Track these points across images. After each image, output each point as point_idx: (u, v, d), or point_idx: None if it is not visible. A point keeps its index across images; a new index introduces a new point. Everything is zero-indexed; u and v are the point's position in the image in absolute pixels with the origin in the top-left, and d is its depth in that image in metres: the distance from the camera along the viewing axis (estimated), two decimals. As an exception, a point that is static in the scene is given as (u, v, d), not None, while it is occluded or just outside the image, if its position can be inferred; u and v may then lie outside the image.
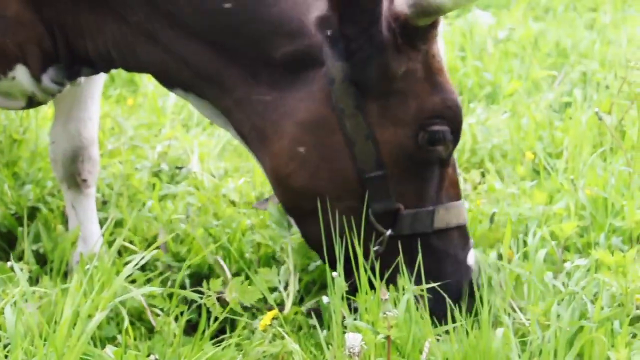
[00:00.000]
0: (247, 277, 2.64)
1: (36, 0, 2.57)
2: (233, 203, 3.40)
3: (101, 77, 3.01)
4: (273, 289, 2.62)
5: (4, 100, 2.73)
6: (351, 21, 2.33)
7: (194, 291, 2.54)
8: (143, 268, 2.94)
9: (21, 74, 2.64)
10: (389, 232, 2.45)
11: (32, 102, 2.74)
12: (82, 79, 2.78)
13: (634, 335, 2.43)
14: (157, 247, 2.88)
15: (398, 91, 2.41)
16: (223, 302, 2.48)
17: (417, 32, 2.38)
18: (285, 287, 2.55)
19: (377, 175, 2.42)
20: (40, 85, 2.66)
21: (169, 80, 2.60)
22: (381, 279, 2.40)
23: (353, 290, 2.40)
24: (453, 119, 2.46)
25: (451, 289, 2.49)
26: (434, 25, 2.39)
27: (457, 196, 2.57)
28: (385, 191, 2.43)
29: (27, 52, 2.60)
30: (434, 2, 2.28)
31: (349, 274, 2.41)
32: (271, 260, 2.91)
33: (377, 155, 2.41)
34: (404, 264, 2.41)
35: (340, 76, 2.38)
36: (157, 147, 3.90)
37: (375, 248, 2.45)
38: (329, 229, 2.42)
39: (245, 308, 2.58)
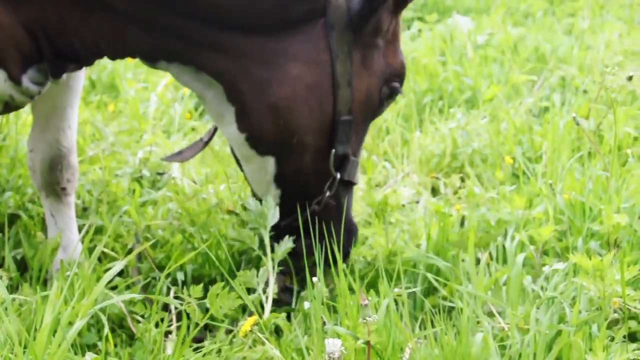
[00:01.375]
0: (227, 282, 2.65)
1: (13, 3, 2.55)
2: (215, 208, 3.40)
3: (80, 85, 3.00)
4: (252, 290, 2.63)
5: None
6: None
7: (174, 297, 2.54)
8: (122, 274, 2.94)
9: None
10: (338, 175, 2.69)
11: (8, 107, 2.72)
12: (64, 76, 2.77)
13: (612, 339, 2.45)
14: (137, 254, 2.88)
15: (376, 46, 2.67)
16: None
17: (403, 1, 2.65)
18: (265, 290, 2.56)
19: (346, 120, 2.66)
20: (20, 87, 2.65)
21: (154, 57, 2.65)
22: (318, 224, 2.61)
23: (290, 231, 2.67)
24: (403, 78, 2.76)
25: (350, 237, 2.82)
26: None
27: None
28: (348, 136, 2.67)
29: (4, 55, 2.59)
30: None
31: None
32: (250, 260, 2.92)
33: (351, 102, 2.65)
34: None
35: (341, 24, 2.60)
36: (138, 153, 3.90)
37: (328, 193, 2.70)
38: (302, 173, 2.66)
39: (225, 314, 2.58)
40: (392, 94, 2.73)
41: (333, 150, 2.67)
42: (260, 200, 2.74)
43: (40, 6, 2.56)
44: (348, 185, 2.80)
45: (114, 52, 2.65)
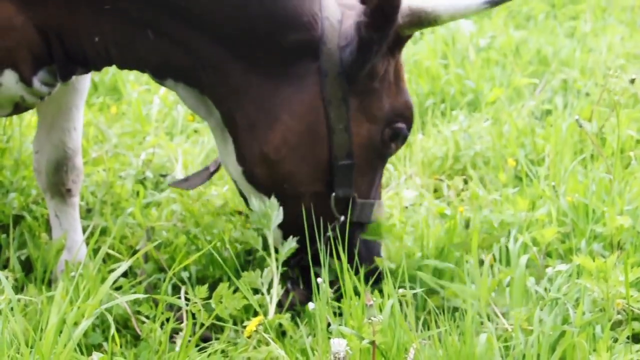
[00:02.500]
0: (232, 283, 2.65)
1: (28, 4, 2.56)
2: (217, 210, 3.40)
3: (85, 87, 3.01)
4: (257, 291, 2.64)
5: None
6: (374, 27, 2.58)
7: (179, 298, 2.55)
8: (127, 275, 2.95)
9: (9, 80, 2.64)
10: (342, 218, 2.69)
11: (18, 108, 2.73)
12: (73, 78, 2.78)
13: (615, 340, 2.46)
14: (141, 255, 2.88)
15: (375, 90, 2.68)
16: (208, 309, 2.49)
17: (401, 40, 2.65)
18: (269, 289, 2.57)
19: (346, 164, 2.67)
20: (31, 88, 2.66)
21: (163, 72, 2.68)
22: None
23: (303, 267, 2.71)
24: (410, 120, 2.77)
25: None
26: (411, 35, 2.68)
27: (380, 195, 2.86)
28: (349, 180, 2.69)
29: (17, 57, 2.59)
30: (431, 14, 2.56)
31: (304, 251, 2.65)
32: (254, 261, 2.93)
33: (350, 146, 2.66)
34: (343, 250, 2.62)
35: (334, 70, 2.62)
36: (141, 154, 3.91)
37: (329, 234, 2.68)
38: (300, 216, 2.64)
39: (230, 314, 2.59)
40: (397, 135, 2.73)
41: (333, 194, 2.68)
42: None
43: (53, 9, 2.57)
44: (361, 227, 2.77)
45: (124, 60, 2.66)
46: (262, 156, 2.64)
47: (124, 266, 2.43)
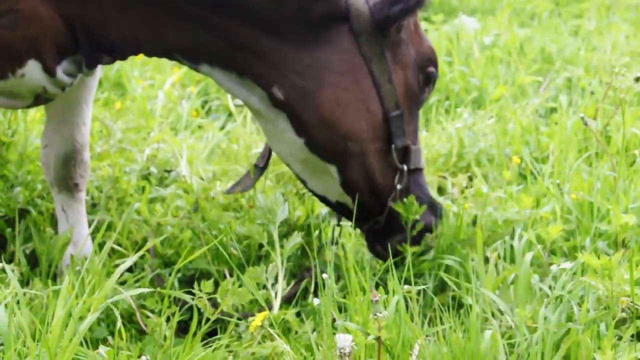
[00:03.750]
0: (237, 277, 2.66)
1: None
2: (222, 206, 3.41)
3: (95, 83, 3.00)
4: (262, 286, 2.64)
5: (7, 100, 2.70)
6: None
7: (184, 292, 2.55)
8: (132, 270, 2.95)
9: (32, 70, 2.63)
10: (404, 167, 2.79)
11: (39, 100, 2.73)
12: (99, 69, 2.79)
13: (620, 338, 2.47)
14: (147, 250, 2.89)
15: (402, 41, 2.78)
16: (214, 303, 2.50)
17: None
18: (274, 284, 2.57)
19: (397, 114, 2.77)
20: (54, 79, 2.65)
21: (197, 57, 2.70)
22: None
23: (376, 231, 2.84)
24: (436, 61, 2.88)
25: (436, 214, 2.91)
26: None
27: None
28: (403, 129, 2.79)
29: (41, 46, 2.58)
30: None
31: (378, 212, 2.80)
32: (259, 256, 2.93)
33: (396, 96, 2.76)
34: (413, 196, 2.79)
35: (367, 29, 2.70)
36: (145, 150, 3.91)
37: (398, 186, 2.79)
38: (369, 176, 2.77)
39: (235, 309, 2.59)
40: (429, 79, 2.85)
41: (393, 146, 2.77)
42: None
43: None
44: (416, 172, 2.87)
45: (154, 47, 2.67)
46: (320, 120, 2.71)
47: (130, 260, 2.43)
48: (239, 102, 4.67)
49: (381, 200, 2.81)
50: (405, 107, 2.80)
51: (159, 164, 3.83)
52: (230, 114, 4.61)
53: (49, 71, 2.63)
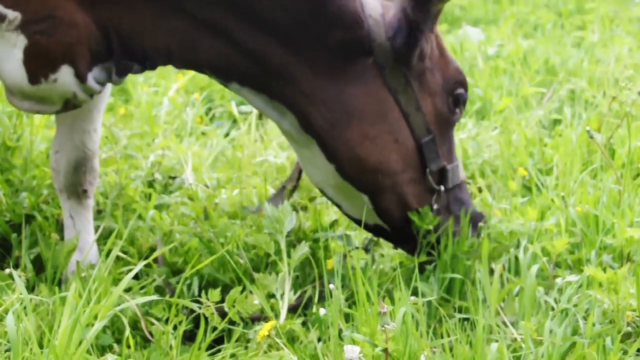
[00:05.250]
0: (243, 288, 2.66)
1: (89, 2, 2.56)
2: (227, 214, 3.41)
3: (107, 91, 3.00)
4: (270, 296, 2.64)
5: (36, 105, 2.72)
6: (418, 7, 2.71)
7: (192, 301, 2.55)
8: (138, 277, 2.95)
9: (65, 75, 2.64)
10: (441, 187, 2.85)
11: (67, 106, 2.74)
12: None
13: (625, 352, 2.47)
14: (155, 259, 2.89)
15: (428, 68, 2.83)
16: (221, 312, 2.50)
17: (436, 15, 2.79)
18: (282, 294, 2.57)
19: (428, 140, 2.83)
20: (85, 85, 2.66)
21: (228, 75, 2.73)
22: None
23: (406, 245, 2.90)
24: (465, 82, 2.93)
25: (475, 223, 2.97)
26: (441, 8, 2.80)
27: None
28: (436, 152, 2.85)
29: (76, 52, 2.59)
30: None
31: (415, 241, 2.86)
32: (267, 266, 2.93)
33: (426, 123, 2.81)
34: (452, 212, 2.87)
35: (390, 61, 2.75)
36: (150, 156, 3.91)
37: (435, 206, 2.84)
38: (404, 203, 2.82)
39: (241, 317, 2.59)
40: (459, 101, 2.89)
41: (428, 170, 2.83)
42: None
43: (115, 6, 2.58)
44: (456, 188, 2.93)
45: (184, 60, 2.69)
46: (349, 154, 2.75)
47: (137, 268, 2.43)
48: (244, 109, 4.70)
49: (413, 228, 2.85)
50: (437, 132, 2.85)
51: (164, 171, 3.84)
52: (234, 121, 4.62)
53: (81, 77, 2.64)
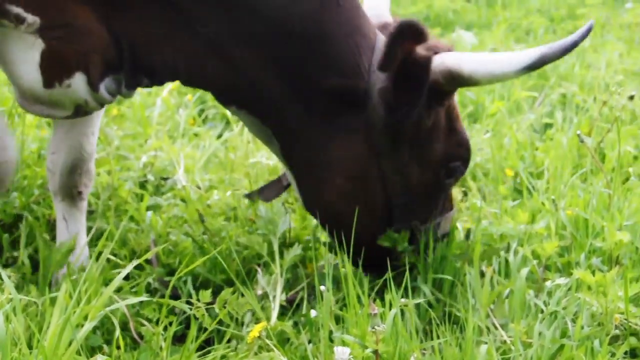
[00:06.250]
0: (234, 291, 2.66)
1: (106, 10, 2.59)
2: (219, 214, 3.41)
3: None
4: (261, 297, 2.65)
5: (48, 109, 2.73)
6: (404, 89, 2.65)
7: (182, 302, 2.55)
8: (129, 278, 2.95)
9: (78, 82, 2.65)
10: (409, 247, 2.80)
11: (78, 112, 2.75)
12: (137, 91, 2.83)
13: (613, 355, 2.48)
14: (148, 259, 2.89)
15: (425, 138, 2.77)
16: (211, 313, 2.50)
17: (446, 94, 2.77)
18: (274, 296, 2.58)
19: (402, 202, 2.78)
20: (96, 94, 2.68)
21: (228, 98, 2.77)
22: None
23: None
24: (466, 157, 2.88)
25: None
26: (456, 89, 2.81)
27: (451, 207, 2.98)
28: (407, 214, 2.80)
29: (90, 60, 2.62)
30: (468, 79, 2.65)
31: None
32: (258, 266, 2.94)
33: (405, 186, 2.77)
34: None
35: (381, 123, 2.70)
36: (142, 157, 3.91)
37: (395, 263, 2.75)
38: (366, 248, 2.74)
39: (231, 318, 2.60)
40: (453, 172, 2.85)
41: (392, 229, 2.80)
42: None
43: (129, 18, 2.60)
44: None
45: (190, 78, 2.73)
46: (319, 203, 2.77)
47: (127, 268, 2.43)
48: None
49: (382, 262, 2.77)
50: (416, 195, 2.79)
51: (156, 172, 3.84)
52: (227, 123, 4.62)
53: (93, 85, 2.66)
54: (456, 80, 2.66)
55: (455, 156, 2.83)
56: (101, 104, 2.74)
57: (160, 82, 2.77)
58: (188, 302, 2.48)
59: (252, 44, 2.63)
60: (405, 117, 2.67)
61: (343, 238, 2.76)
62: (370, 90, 2.68)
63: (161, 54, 2.64)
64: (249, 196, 3.07)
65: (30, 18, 2.55)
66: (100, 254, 2.74)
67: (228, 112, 4.56)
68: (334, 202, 2.75)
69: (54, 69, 2.63)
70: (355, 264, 2.78)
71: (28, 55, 2.62)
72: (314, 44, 2.63)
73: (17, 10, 2.53)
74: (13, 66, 2.65)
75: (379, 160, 2.73)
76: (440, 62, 2.65)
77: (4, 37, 2.60)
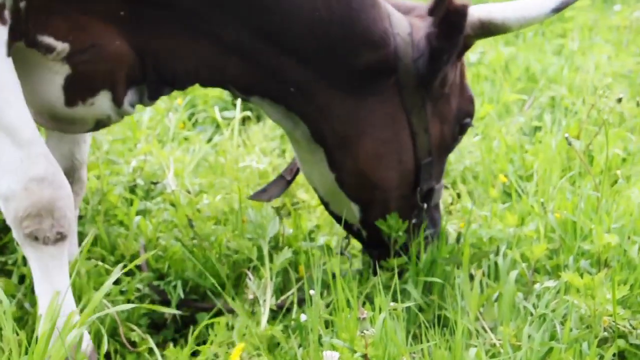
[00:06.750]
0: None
1: (129, 25, 2.57)
2: (209, 218, 3.41)
3: None
4: (251, 302, 2.65)
5: (66, 125, 2.71)
6: (444, 37, 2.72)
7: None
8: (117, 283, 2.95)
9: (102, 100, 2.63)
10: (425, 205, 2.92)
11: (98, 126, 2.75)
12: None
13: (601, 357, 2.50)
14: (138, 264, 2.89)
15: (444, 95, 2.86)
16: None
17: (467, 47, 2.84)
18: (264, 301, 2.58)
19: (428, 162, 2.88)
20: (119, 109, 2.68)
21: (250, 90, 2.77)
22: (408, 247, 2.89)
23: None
24: (474, 112, 2.99)
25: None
26: (472, 43, 2.85)
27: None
28: (430, 173, 2.90)
29: (115, 78, 2.61)
30: (501, 26, 2.73)
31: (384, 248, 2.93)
32: (248, 270, 2.94)
33: (430, 145, 2.86)
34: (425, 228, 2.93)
35: (411, 82, 2.77)
36: (132, 162, 3.90)
37: (414, 221, 2.91)
38: (389, 213, 2.86)
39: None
40: (464, 129, 2.96)
41: (418, 189, 2.89)
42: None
43: (151, 31, 2.59)
44: (434, 207, 3.01)
45: (211, 80, 2.75)
46: (354, 167, 2.80)
47: (114, 274, 2.43)
48: (227, 114, 4.70)
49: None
50: (436, 154, 2.90)
51: (146, 176, 3.83)
52: (217, 126, 4.62)
53: (117, 101, 2.65)
54: (486, 29, 2.75)
55: (466, 112, 2.93)
56: (122, 117, 2.74)
57: (182, 88, 2.77)
58: (179, 306, 2.47)
59: (276, 38, 2.63)
60: (444, 64, 2.73)
61: (373, 209, 2.83)
62: (399, 50, 2.72)
63: (183, 62, 2.65)
64: (254, 197, 3.07)
65: (60, 46, 2.50)
66: (89, 259, 2.73)
67: (218, 116, 4.57)
68: (371, 169, 2.79)
69: (79, 90, 2.60)
70: (371, 234, 2.90)
71: (51, 79, 2.58)
72: (343, 26, 2.65)
73: (48, 40, 2.48)
74: (30, 86, 2.58)
75: (410, 119, 2.79)
76: (470, 13, 2.72)
77: (25, 60, 2.53)
